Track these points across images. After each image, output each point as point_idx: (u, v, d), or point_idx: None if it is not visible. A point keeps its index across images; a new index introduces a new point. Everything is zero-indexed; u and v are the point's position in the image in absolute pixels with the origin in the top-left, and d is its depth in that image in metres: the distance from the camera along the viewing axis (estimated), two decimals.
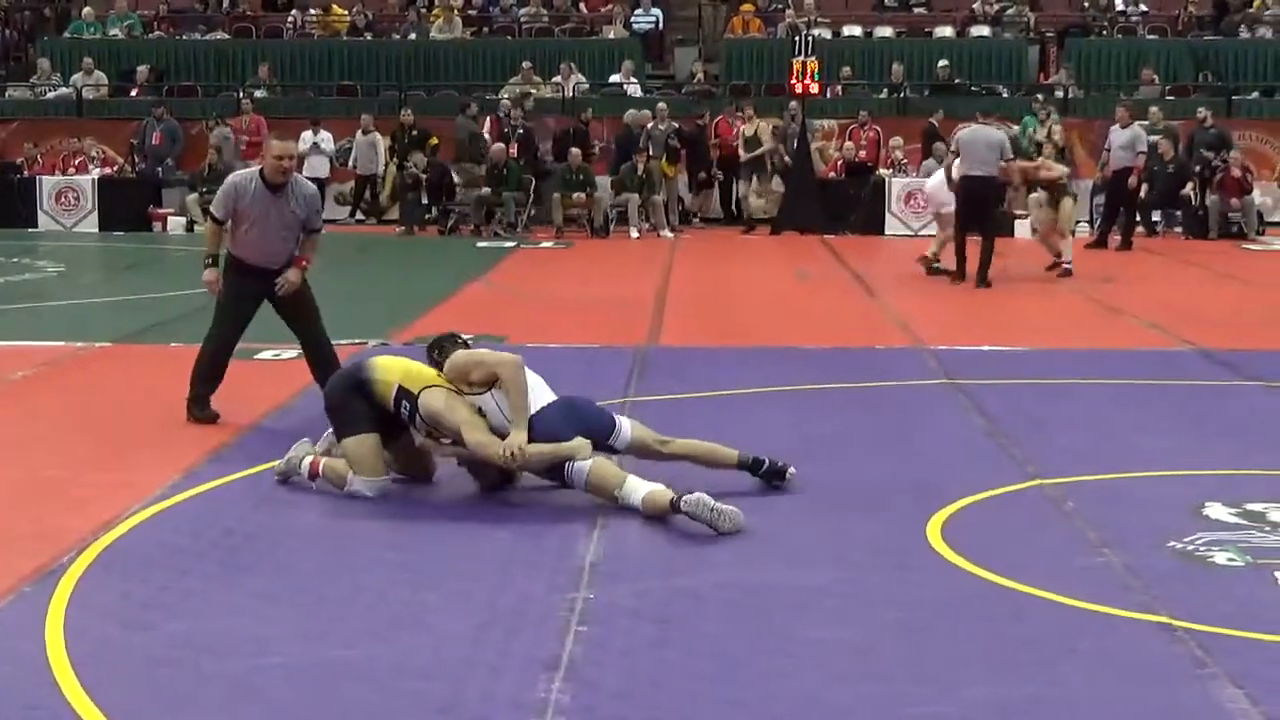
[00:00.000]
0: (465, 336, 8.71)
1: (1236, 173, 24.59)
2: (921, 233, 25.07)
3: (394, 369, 8.03)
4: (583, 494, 7.77)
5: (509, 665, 5.46)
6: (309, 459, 8.12)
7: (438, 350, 8.17)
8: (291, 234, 9.91)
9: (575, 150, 25.17)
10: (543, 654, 5.59)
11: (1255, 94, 28.78)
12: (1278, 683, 5.35)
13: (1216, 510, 7.67)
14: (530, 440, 7.76)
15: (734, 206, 26.75)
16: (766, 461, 8.19)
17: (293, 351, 10.82)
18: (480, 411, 7.91)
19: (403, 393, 7.88)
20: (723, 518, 7.28)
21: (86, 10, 31.43)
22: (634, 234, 24.63)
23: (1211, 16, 31.29)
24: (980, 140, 17.71)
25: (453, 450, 8.04)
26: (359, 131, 26.25)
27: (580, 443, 7.79)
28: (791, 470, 8.21)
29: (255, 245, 9.85)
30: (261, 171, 9.83)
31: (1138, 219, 23.55)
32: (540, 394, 8.00)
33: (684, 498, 7.36)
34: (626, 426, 8.13)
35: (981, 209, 17.85)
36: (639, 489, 7.61)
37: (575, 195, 24.86)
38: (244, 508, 7.78)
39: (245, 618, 5.74)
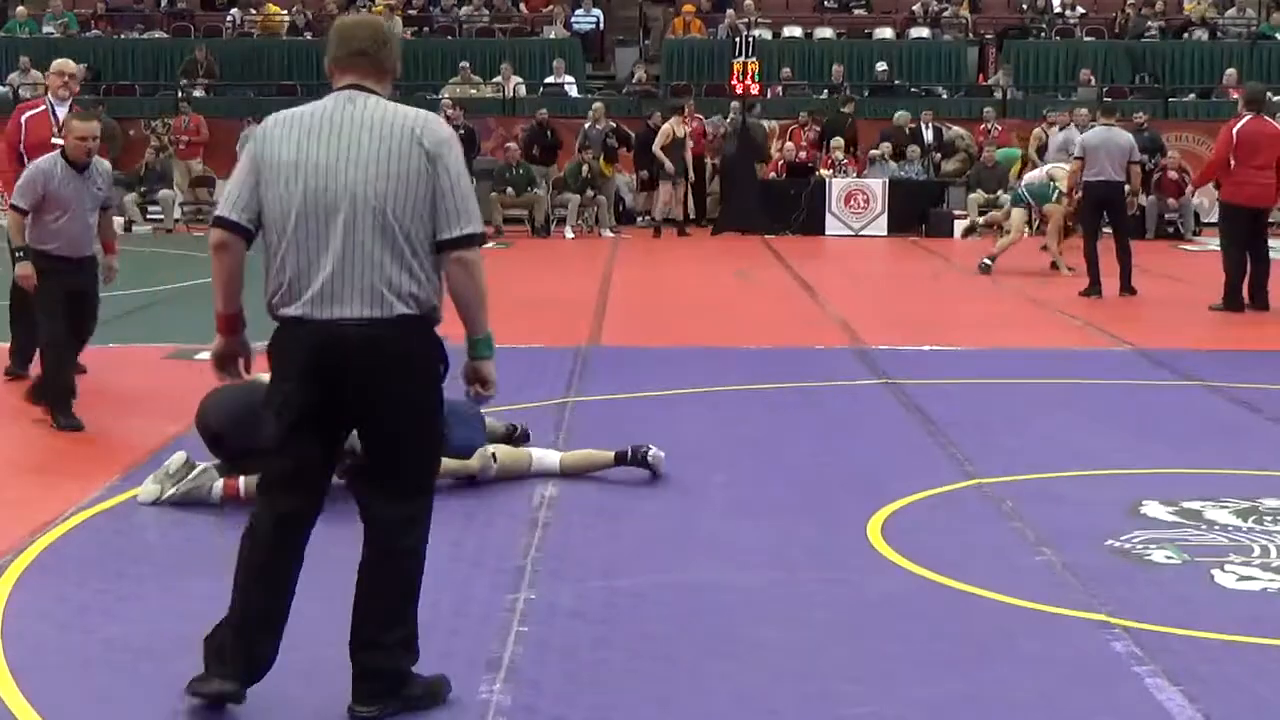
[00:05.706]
0: None
1: (1174, 174, 24.82)
2: (862, 232, 25.21)
3: None
4: (521, 496, 7.78)
5: (450, 666, 5.43)
6: (219, 483, 7.69)
7: None
8: (93, 216, 10.03)
9: (512, 145, 25.14)
10: (484, 654, 5.58)
11: (1191, 96, 29.04)
12: (1214, 680, 5.40)
13: (1154, 509, 7.73)
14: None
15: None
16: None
17: None
18: None
19: None
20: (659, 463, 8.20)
21: (20, 9, 31.16)
22: (568, 234, 24.63)
23: (1162, 24, 31.59)
24: (1112, 143, 17.22)
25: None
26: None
27: (483, 460, 8.02)
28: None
29: (63, 232, 9.84)
30: (63, 152, 9.86)
31: None
32: None
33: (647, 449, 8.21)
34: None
35: (1114, 213, 17.47)
36: (550, 455, 8.26)
37: (521, 195, 24.86)
38: (183, 509, 7.71)
39: (184, 620, 5.69)
